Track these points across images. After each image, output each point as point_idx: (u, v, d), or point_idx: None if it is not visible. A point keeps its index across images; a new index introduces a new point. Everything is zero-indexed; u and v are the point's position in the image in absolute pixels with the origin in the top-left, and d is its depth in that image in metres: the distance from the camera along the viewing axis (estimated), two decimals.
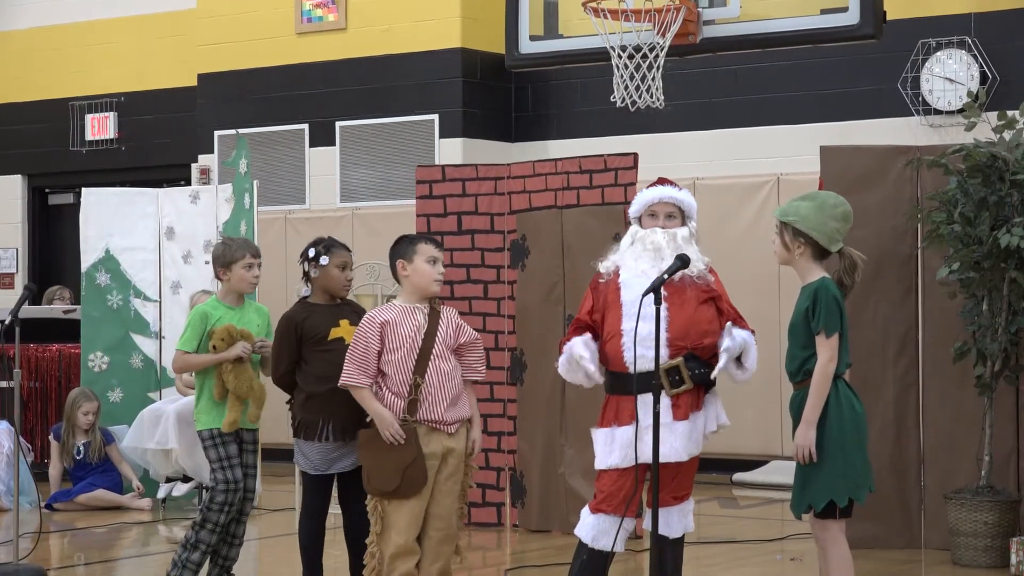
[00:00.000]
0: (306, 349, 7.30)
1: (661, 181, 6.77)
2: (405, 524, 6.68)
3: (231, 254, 7.76)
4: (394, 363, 6.72)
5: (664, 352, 6.28)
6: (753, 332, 6.58)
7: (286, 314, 7.43)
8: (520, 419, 10.28)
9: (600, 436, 6.58)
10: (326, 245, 7.41)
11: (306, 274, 7.41)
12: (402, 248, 6.89)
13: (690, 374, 6.44)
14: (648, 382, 6.23)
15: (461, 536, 7.05)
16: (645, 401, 6.26)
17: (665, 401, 6.31)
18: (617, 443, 6.48)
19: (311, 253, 7.38)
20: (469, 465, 6.92)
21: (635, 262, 6.59)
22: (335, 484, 7.40)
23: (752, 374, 6.53)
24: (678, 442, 6.41)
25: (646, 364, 6.30)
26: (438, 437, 6.74)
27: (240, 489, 7.70)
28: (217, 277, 7.90)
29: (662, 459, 6.14)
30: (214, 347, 7.63)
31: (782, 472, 11.81)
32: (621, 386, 6.52)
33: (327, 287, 7.40)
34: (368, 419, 6.80)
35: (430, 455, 6.70)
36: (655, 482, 6.11)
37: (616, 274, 6.63)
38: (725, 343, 6.42)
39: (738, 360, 6.49)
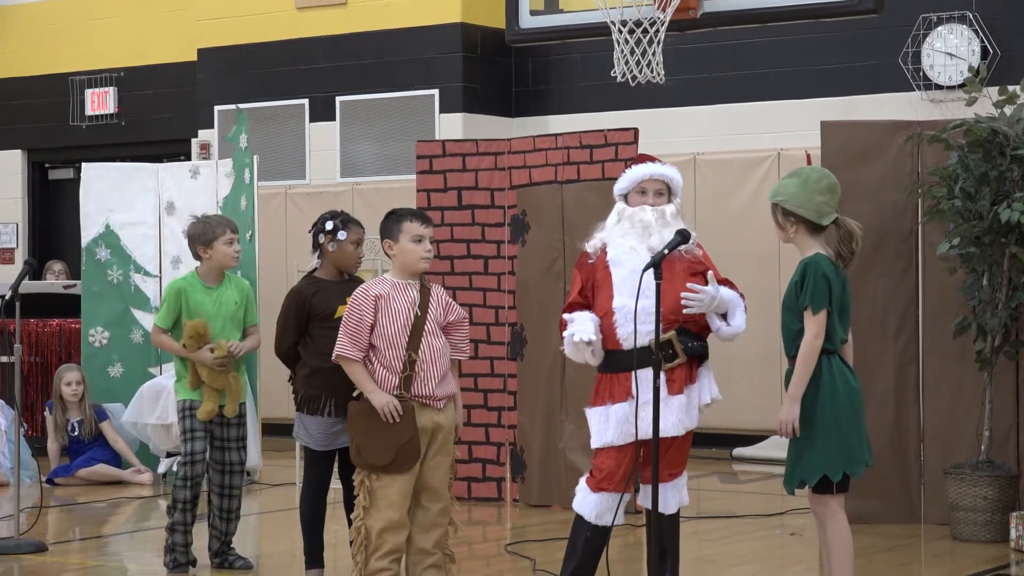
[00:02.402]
0: (312, 325, 7.26)
1: (643, 158, 6.76)
2: (396, 498, 6.63)
3: (211, 231, 7.72)
4: (387, 338, 6.66)
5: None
6: (743, 296, 6.58)
7: (294, 288, 7.38)
8: (520, 394, 10.28)
9: (595, 415, 6.56)
10: (343, 220, 7.31)
11: (319, 247, 7.32)
12: (388, 226, 6.77)
13: (683, 347, 6.45)
14: (646, 357, 6.23)
15: (458, 511, 7.05)
16: (642, 377, 6.27)
17: (660, 376, 6.31)
18: (612, 420, 6.47)
19: (329, 226, 7.27)
20: (456, 437, 6.91)
21: (623, 239, 6.57)
22: (336, 459, 7.39)
23: (736, 335, 6.52)
24: (674, 416, 6.41)
25: (641, 339, 6.31)
26: (429, 412, 6.71)
27: (198, 462, 7.69)
28: (196, 256, 7.83)
29: (660, 434, 6.14)
30: (184, 344, 7.64)
31: (781, 447, 11.76)
32: (615, 363, 6.51)
33: (340, 262, 7.33)
34: (356, 393, 6.75)
35: (421, 430, 6.66)
36: (654, 457, 6.11)
37: (604, 252, 6.61)
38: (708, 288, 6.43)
39: (724, 318, 6.51)
